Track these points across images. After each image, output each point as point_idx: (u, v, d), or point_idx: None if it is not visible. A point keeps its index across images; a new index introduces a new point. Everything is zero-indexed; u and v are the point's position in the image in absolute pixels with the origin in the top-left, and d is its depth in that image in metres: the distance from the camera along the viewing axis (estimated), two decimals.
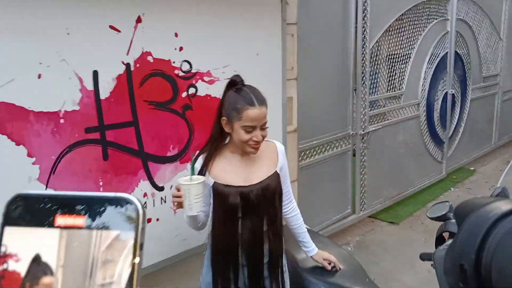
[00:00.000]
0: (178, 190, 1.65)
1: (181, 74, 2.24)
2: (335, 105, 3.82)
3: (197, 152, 1.82)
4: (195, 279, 2.62)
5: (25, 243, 0.38)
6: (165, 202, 2.30)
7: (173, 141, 2.27)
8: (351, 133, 4.02)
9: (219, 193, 1.74)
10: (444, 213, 1.98)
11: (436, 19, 4.86)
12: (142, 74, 2.09)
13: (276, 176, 1.81)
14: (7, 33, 1.69)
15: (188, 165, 2.36)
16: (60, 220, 0.38)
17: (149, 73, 2.11)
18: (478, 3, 5.61)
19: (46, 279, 0.37)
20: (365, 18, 3.85)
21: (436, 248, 1.96)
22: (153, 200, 2.25)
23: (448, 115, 5.37)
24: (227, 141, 1.82)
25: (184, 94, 2.27)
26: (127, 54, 2.03)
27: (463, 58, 5.52)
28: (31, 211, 0.39)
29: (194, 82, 2.31)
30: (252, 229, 1.76)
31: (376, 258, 3.69)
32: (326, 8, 3.54)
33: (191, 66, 2.28)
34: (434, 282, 3.32)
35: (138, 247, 0.37)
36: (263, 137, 1.70)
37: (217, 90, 2.42)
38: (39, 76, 1.78)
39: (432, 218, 2.03)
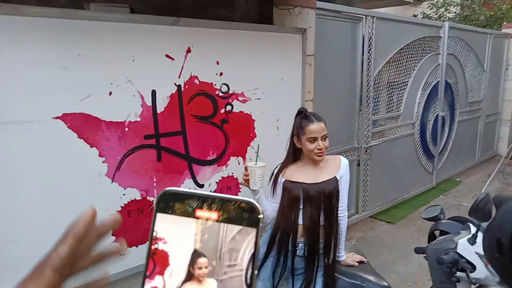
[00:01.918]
0: (246, 170, 1.81)
1: (220, 94, 2.31)
2: (343, 123, 3.84)
3: (258, 145, 1.94)
4: None
5: (171, 228, 0.41)
6: None
7: (213, 148, 2.34)
8: (356, 146, 4.02)
9: (286, 187, 1.86)
10: (436, 214, 1.98)
11: (430, 53, 4.83)
12: (190, 94, 2.17)
13: (335, 180, 1.87)
14: (87, 60, 1.79)
15: (224, 168, 2.42)
16: (199, 213, 0.40)
17: (195, 93, 2.19)
18: (466, 40, 5.55)
19: (200, 259, 0.40)
20: (370, 51, 3.87)
21: (428, 243, 1.96)
22: None
23: (438, 133, 5.31)
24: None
25: (222, 111, 2.34)
26: (179, 77, 2.11)
27: (452, 86, 5.46)
28: (177, 204, 0.41)
29: (230, 101, 2.37)
30: (311, 217, 1.83)
31: (375, 252, 3.66)
32: (338, 42, 3.58)
33: (228, 88, 2.35)
34: (424, 273, 3.31)
35: (259, 239, 0.40)
36: (325, 146, 1.82)
37: (248, 108, 2.49)
38: (110, 94, 1.87)
39: (426, 219, 2.03)
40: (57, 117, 1.73)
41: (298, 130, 1.87)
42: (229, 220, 0.40)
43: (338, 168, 1.91)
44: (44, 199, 1.74)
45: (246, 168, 1.81)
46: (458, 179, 5.86)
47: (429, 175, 5.32)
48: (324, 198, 1.85)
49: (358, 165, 4.13)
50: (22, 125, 1.64)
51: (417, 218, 4.47)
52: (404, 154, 4.73)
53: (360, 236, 4.04)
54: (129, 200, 2.01)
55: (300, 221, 1.86)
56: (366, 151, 4.08)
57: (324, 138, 1.83)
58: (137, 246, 2.07)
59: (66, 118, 1.75)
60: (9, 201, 1.65)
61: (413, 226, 4.28)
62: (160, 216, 0.42)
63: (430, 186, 5.35)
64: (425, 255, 1.88)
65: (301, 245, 1.88)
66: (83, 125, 1.80)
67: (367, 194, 4.25)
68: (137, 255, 2.08)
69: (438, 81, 5.11)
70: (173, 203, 0.41)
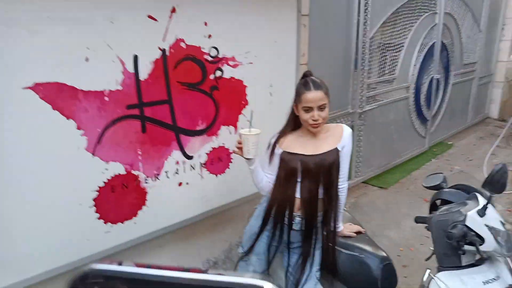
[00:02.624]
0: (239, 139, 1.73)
1: (209, 59, 2.13)
2: (338, 87, 3.68)
3: (251, 112, 1.79)
4: (218, 231, 2.61)
5: None
6: (193, 169, 2.23)
7: (202, 117, 2.18)
8: (350, 111, 3.90)
9: (284, 159, 1.76)
10: (438, 183, 1.90)
11: (426, 12, 4.62)
12: (176, 59, 1.98)
13: (335, 151, 1.76)
14: (59, 22, 1.58)
15: (214, 138, 2.28)
16: None
17: (182, 58, 2.00)
18: None
19: None
20: (367, 11, 3.66)
21: (430, 213, 1.89)
22: (184, 167, 2.18)
23: (432, 97, 5.20)
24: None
25: (211, 76, 2.16)
26: (163, 40, 1.91)
27: (448, 47, 5.30)
28: None
29: (220, 66, 2.19)
30: (309, 191, 1.74)
31: (367, 217, 3.64)
32: (333, 1, 3.37)
33: (218, 52, 2.16)
34: (416, 238, 3.30)
35: None
36: (321, 117, 1.68)
37: (239, 73, 2.31)
38: (87, 59, 1.68)
39: (427, 187, 1.95)
40: (28, 87, 1.54)
41: (296, 97, 1.74)
42: None
43: (340, 138, 1.79)
44: (19, 178, 1.58)
45: (240, 136, 1.72)
46: (450, 143, 5.83)
47: (422, 139, 5.26)
48: (323, 170, 1.74)
49: (352, 130, 4.02)
50: None
51: (409, 183, 4.44)
52: (398, 119, 4.63)
53: (353, 202, 4.00)
54: (113, 175, 1.87)
55: (298, 195, 1.76)
56: (360, 116, 3.97)
57: (321, 108, 1.68)
58: (122, 222, 1.96)
59: (38, 88, 1.56)
60: None
61: (405, 191, 4.26)
62: None
63: (423, 150, 5.31)
64: (426, 225, 1.82)
65: (298, 219, 1.79)
66: (57, 95, 1.62)
67: (360, 159, 4.18)
68: (122, 232, 1.97)
69: (434, 42, 4.93)
70: None
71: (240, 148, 1.74)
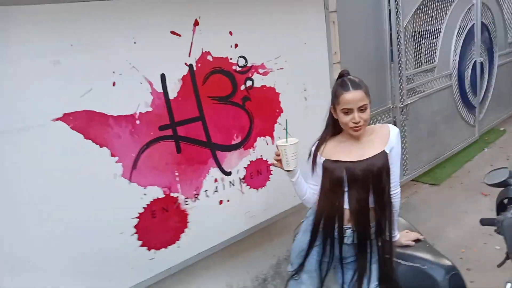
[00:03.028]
0: (277, 150, 1.64)
1: (238, 69, 2.04)
2: (375, 82, 3.49)
3: (286, 120, 1.77)
4: (265, 247, 2.50)
5: None
6: (233, 185, 2.13)
7: (236, 130, 2.09)
8: (391, 106, 3.69)
9: (327, 168, 1.63)
10: (504, 179, 1.68)
11: None
12: (204, 73, 1.90)
13: (383, 154, 1.61)
14: (81, 49, 1.54)
15: (251, 151, 2.18)
16: None
17: (210, 71, 1.92)
18: None
19: None
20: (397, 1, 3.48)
21: (497, 214, 1.69)
22: (223, 184, 2.09)
23: (478, 82, 4.86)
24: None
25: (242, 87, 2.07)
26: (189, 55, 1.84)
27: (489, 27, 4.95)
28: None
29: (250, 75, 2.09)
30: (358, 200, 1.59)
31: (421, 218, 3.39)
32: None
33: (246, 61, 2.06)
34: (479, 237, 3.03)
35: None
36: (363, 119, 1.54)
37: (271, 80, 2.21)
38: (114, 84, 1.64)
39: (490, 185, 1.73)
40: (57, 119, 1.51)
41: (334, 99, 1.62)
42: None
43: (387, 139, 1.63)
44: (58, 213, 1.55)
45: (277, 147, 1.62)
46: (502, 129, 5.43)
47: (471, 127, 4.92)
48: (372, 177, 1.58)
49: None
50: (19, 134, 1.43)
51: (463, 176, 4.14)
52: (443, 109, 4.36)
53: (404, 202, 3.77)
54: (152, 200, 1.81)
55: (346, 205, 1.62)
56: (402, 110, 3.75)
57: (362, 109, 1.54)
58: (166, 248, 1.89)
59: (67, 118, 1.53)
60: (20, 221, 1.47)
61: (460, 186, 3.97)
62: None
63: (473, 140, 4.96)
64: (495, 227, 1.62)
65: (349, 232, 1.65)
66: (88, 124, 1.58)
67: (407, 156, 3.94)
68: (166, 257, 1.90)
69: (473, 24, 4.62)
70: None
71: (279, 160, 1.64)
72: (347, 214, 1.63)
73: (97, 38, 1.58)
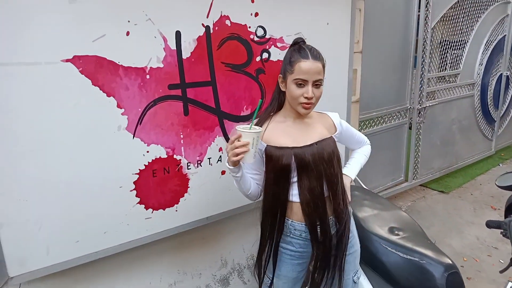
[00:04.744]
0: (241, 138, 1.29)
1: (256, 39, 1.97)
2: (395, 80, 3.40)
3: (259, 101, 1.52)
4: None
5: None
6: None
7: (247, 102, 2.02)
8: (408, 107, 3.57)
9: (272, 156, 1.41)
10: None
11: (497, 1, 4.18)
12: (220, 37, 1.84)
13: (332, 140, 1.48)
14: None
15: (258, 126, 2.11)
16: None
17: (226, 36, 1.86)
18: None
19: None
20: (428, 2, 3.36)
21: (506, 218, 1.61)
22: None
23: (501, 95, 4.70)
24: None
25: (258, 58, 2.00)
26: (207, 17, 1.78)
27: None
28: None
29: (267, 47, 2.03)
30: (310, 190, 1.40)
31: (426, 223, 3.29)
32: None
33: (265, 32, 1.99)
34: (482, 248, 2.92)
35: None
36: (316, 96, 1.38)
37: None
38: (127, 34, 1.59)
39: (501, 187, 1.66)
40: (67, 60, 1.47)
41: (285, 66, 1.41)
42: None
43: (333, 127, 1.53)
44: (56, 156, 1.52)
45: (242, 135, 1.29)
46: None
47: (487, 141, 4.76)
48: (324, 163, 1.40)
49: (410, 128, 3.70)
50: (28, 67, 1.40)
51: (473, 188, 4.00)
52: (461, 118, 4.22)
53: (409, 205, 3.66)
54: (154, 158, 1.76)
55: (296, 198, 1.44)
56: (419, 113, 3.63)
57: (317, 84, 1.37)
58: (163, 209, 1.85)
59: (77, 61, 1.49)
60: (15, 156, 1.44)
61: (469, 197, 3.84)
62: None
63: (489, 154, 4.80)
64: (501, 230, 1.54)
65: (298, 226, 1.48)
66: (97, 70, 1.53)
67: (418, 160, 3.83)
68: (163, 219, 1.86)
69: (504, 36, 4.45)
70: None
71: (242, 153, 1.29)
72: (296, 208, 1.45)
73: None
